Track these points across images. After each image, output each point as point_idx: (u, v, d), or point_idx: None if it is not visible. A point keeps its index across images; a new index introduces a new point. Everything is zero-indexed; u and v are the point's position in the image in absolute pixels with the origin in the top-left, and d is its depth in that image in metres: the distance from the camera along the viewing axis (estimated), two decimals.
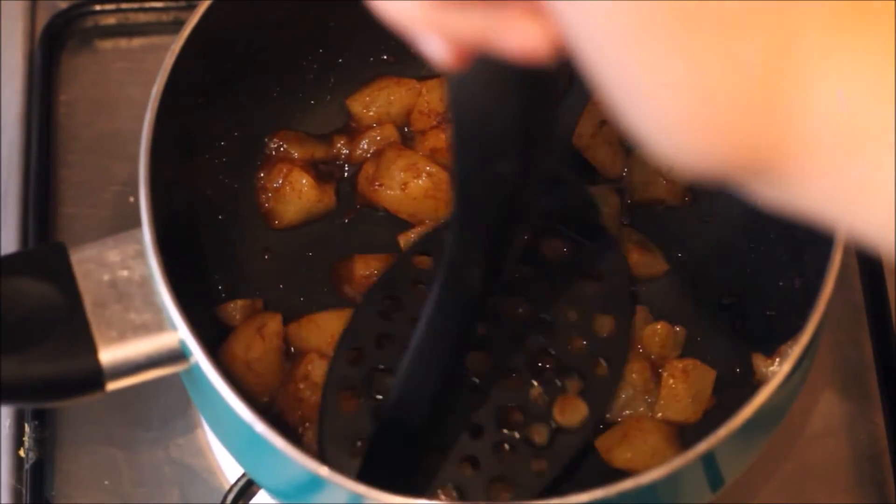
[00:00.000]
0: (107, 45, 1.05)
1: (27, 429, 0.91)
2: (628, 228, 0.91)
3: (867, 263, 0.96)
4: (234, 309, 0.88)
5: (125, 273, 0.77)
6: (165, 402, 0.93)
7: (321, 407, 0.84)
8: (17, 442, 0.91)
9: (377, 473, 0.80)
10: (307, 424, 0.84)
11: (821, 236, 0.78)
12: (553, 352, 0.85)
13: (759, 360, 0.84)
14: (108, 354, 0.74)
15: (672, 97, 0.48)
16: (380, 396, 0.83)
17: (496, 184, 0.60)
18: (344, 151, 0.94)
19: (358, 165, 0.93)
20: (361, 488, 0.72)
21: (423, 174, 0.90)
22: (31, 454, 0.91)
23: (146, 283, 0.76)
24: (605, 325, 0.86)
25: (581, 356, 0.85)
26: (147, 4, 1.05)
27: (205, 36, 0.83)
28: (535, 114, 0.54)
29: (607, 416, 0.85)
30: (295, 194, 0.91)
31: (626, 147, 0.92)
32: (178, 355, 0.76)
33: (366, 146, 0.93)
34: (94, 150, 1.01)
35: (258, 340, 0.86)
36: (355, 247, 0.91)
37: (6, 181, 0.99)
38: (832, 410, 0.94)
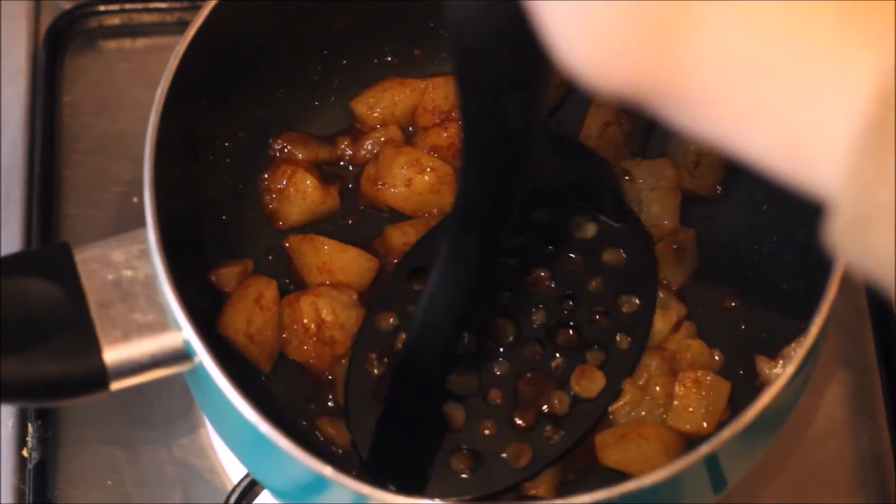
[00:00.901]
0: (111, 45, 1.05)
1: (30, 429, 0.91)
2: None
3: None
4: (229, 275, 0.88)
5: (129, 273, 0.77)
6: (168, 402, 0.93)
7: (347, 368, 0.85)
8: (21, 442, 0.92)
9: (393, 430, 0.82)
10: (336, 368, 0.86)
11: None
12: (575, 324, 0.86)
13: (762, 363, 0.84)
14: (112, 354, 0.74)
15: (573, 7, 0.51)
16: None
17: (497, 123, 0.63)
18: (348, 153, 0.94)
19: (362, 167, 0.93)
20: (366, 488, 0.72)
21: (428, 169, 0.90)
22: (34, 454, 0.91)
23: (150, 283, 0.76)
24: (629, 303, 0.87)
25: (603, 331, 0.86)
26: (151, 5, 1.05)
27: (209, 37, 0.83)
28: (528, 50, 0.56)
29: (611, 416, 0.85)
30: (299, 195, 0.91)
31: (631, 150, 0.92)
32: (182, 355, 0.76)
33: (370, 147, 0.93)
34: (98, 150, 1.01)
35: (258, 312, 0.86)
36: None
37: (9, 181, 0.99)
38: (835, 412, 0.94)
